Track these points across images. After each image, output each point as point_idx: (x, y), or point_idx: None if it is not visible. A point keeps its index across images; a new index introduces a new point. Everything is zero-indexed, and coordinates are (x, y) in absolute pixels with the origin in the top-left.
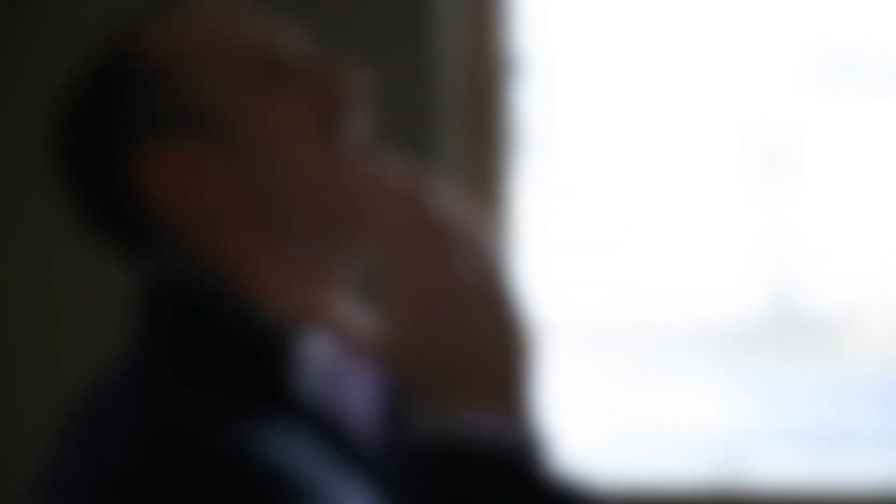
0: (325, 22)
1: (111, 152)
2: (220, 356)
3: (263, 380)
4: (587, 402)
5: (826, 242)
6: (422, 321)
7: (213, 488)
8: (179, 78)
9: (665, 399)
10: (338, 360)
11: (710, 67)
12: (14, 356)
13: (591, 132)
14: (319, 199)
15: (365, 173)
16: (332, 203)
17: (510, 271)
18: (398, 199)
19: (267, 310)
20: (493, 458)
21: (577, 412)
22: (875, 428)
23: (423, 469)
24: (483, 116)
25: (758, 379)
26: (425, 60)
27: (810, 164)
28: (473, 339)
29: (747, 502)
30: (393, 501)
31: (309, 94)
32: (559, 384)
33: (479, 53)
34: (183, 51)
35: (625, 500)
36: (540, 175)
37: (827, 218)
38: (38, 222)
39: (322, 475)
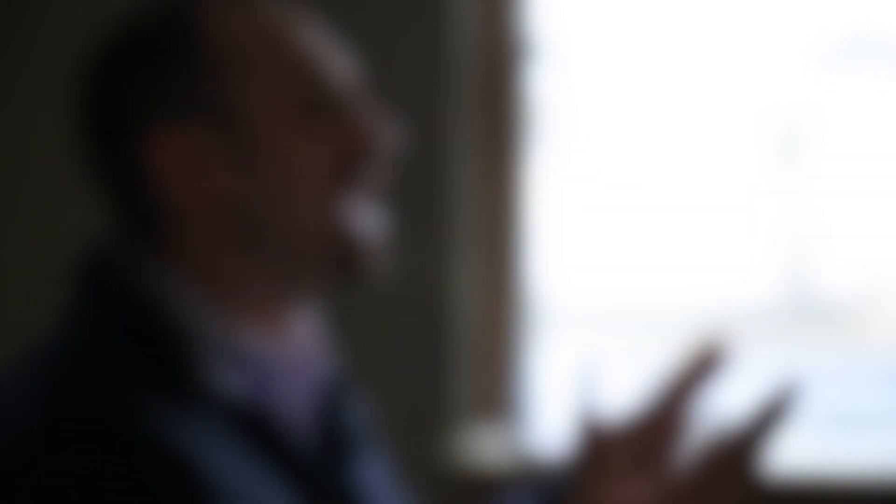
0: (340, 5)
1: (134, 105)
2: (141, 337)
3: (179, 367)
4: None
5: (841, 227)
6: None
7: (104, 461)
8: (226, 72)
9: None
10: (271, 355)
11: (725, 51)
12: None
13: (605, 115)
14: (304, 237)
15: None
16: (315, 244)
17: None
18: None
19: (210, 307)
20: None
21: None
22: (890, 412)
23: None
24: (497, 99)
25: (774, 364)
26: (440, 43)
27: (825, 148)
28: None
29: (763, 486)
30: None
31: (337, 141)
32: (572, 367)
33: (494, 36)
34: (240, 48)
35: None
36: (553, 158)
37: (841, 202)
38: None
39: (230, 470)
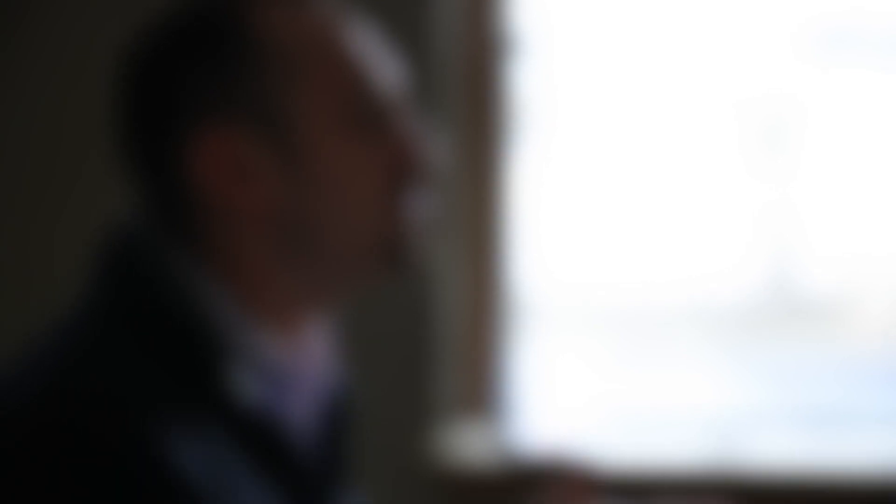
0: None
1: (181, 102)
2: (163, 333)
3: (200, 370)
4: (587, 382)
5: (825, 222)
6: None
7: (91, 475)
8: (277, 74)
9: (664, 380)
10: (283, 364)
11: (708, 43)
12: None
13: (588, 110)
14: (345, 248)
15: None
16: (355, 256)
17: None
18: None
19: (238, 311)
20: None
21: (576, 392)
22: (874, 408)
23: None
24: (480, 95)
25: (757, 360)
26: (423, 39)
27: (809, 140)
28: None
29: (746, 483)
30: None
31: (385, 154)
32: (557, 363)
33: (477, 32)
34: (293, 50)
35: (624, 481)
36: (537, 154)
37: (826, 197)
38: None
39: (231, 481)
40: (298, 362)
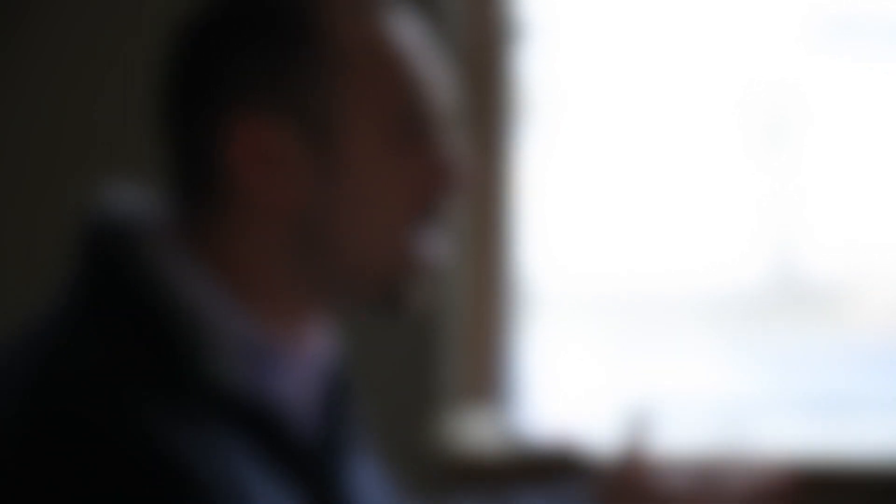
0: None
1: (223, 76)
2: (136, 322)
3: (173, 355)
4: (591, 371)
5: (828, 210)
6: None
7: (87, 463)
8: (330, 72)
9: (668, 368)
10: (270, 343)
11: (712, 32)
12: None
13: (594, 97)
14: (365, 258)
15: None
16: (373, 268)
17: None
18: None
19: (229, 300)
20: None
21: (581, 379)
22: (878, 396)
23: None
24: (487, 82)
25: (761, 348)
26: (429, 26)
27: (812, 129)
28: None
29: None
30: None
31: (421, 171)
32: (563, 353)
33: (483, 19)
34: (350, 51)
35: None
36: (543, 141)
37: (829, 185)
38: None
39: (230, 471)
40: (291, 346)
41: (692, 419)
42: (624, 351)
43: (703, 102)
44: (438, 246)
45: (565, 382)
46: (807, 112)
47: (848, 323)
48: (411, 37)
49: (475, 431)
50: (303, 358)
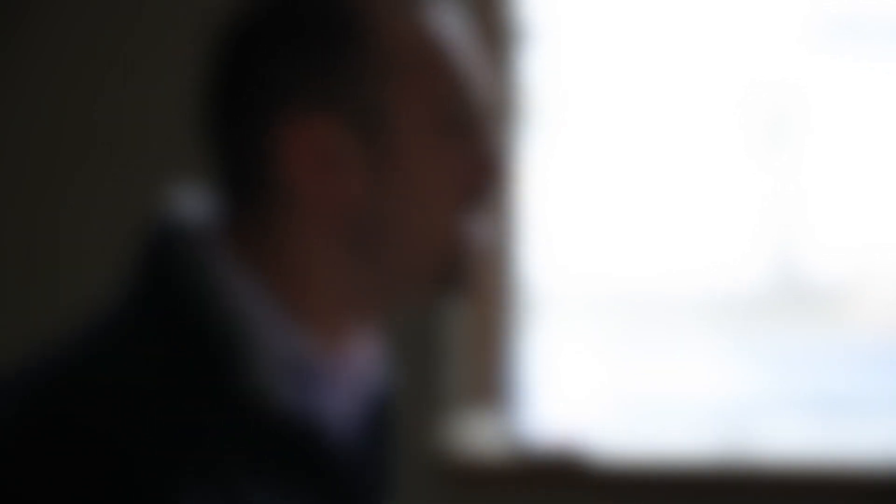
0: None
1: (276, 76)
2: (179, 330)
3: (214, 367)
4: (594, 371)
5: (829, 210)
6: None
7: (73, 478)
8: (379, 68)
9: (670, 368)
10: (318, 357)
11: (714, 33)
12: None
13: (597, 100)
14: (419, 252)
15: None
16: (426, 261)
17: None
18: None
19: (275, 310)
20: None
21: (583, 381)
22: (878, 396)
23: None
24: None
25: (762, 347)
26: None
27: (813, 130)
28: None
29: (752, 470)
30: None
31: (467, 163)
32: (565, 353)
33: (485, 21)
34: (397, 47)
35: (630, 469)
36: (546, 143)
37: (830, 185)
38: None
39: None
40: (338, 364)
41: (693, 419)
42: (628, 353)
43: (705, 103)
44: (484, 232)
45: (568, 384)
46: (808, 112)
47: (848, 323)
48: (453, 31)
49: (478, 434)
50: (348, 374)
